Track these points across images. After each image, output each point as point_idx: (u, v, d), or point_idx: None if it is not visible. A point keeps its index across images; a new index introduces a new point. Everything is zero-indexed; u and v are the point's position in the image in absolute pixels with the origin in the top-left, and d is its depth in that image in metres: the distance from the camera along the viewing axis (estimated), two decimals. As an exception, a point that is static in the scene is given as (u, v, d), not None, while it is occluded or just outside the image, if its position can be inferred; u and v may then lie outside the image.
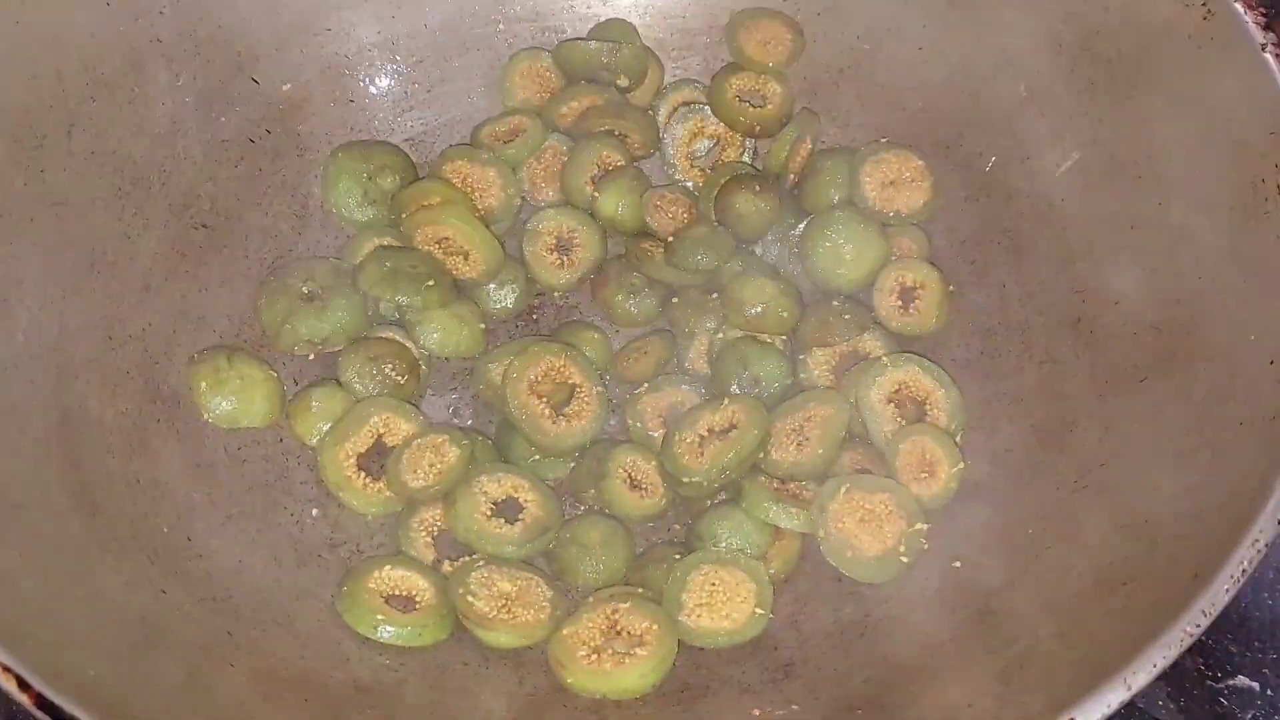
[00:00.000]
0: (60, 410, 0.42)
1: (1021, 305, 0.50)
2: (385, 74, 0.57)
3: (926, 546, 0.45)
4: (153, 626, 0.38)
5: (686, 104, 0.58)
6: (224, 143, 0.53)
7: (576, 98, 0.57)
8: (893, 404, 0.49)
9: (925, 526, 0.45)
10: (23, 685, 0.30)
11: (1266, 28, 0.42)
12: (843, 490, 0.45)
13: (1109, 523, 0.40)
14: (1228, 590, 0.32)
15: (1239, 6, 0.43)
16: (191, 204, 0.51)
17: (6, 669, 0.30)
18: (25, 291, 0.43)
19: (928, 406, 0.49)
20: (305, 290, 0.51)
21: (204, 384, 0.48)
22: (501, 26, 0.58)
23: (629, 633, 0.43)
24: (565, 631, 0.43)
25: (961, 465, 0.47)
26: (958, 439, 0.48)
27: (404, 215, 0.53)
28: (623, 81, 0.58)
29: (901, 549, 0.45)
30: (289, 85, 0.55)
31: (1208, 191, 0.44)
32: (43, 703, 0.30)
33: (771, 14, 0.57)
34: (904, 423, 0.48)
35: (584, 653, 0.42)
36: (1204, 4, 0.44)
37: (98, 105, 0.47)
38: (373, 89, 0.57)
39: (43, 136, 0.45)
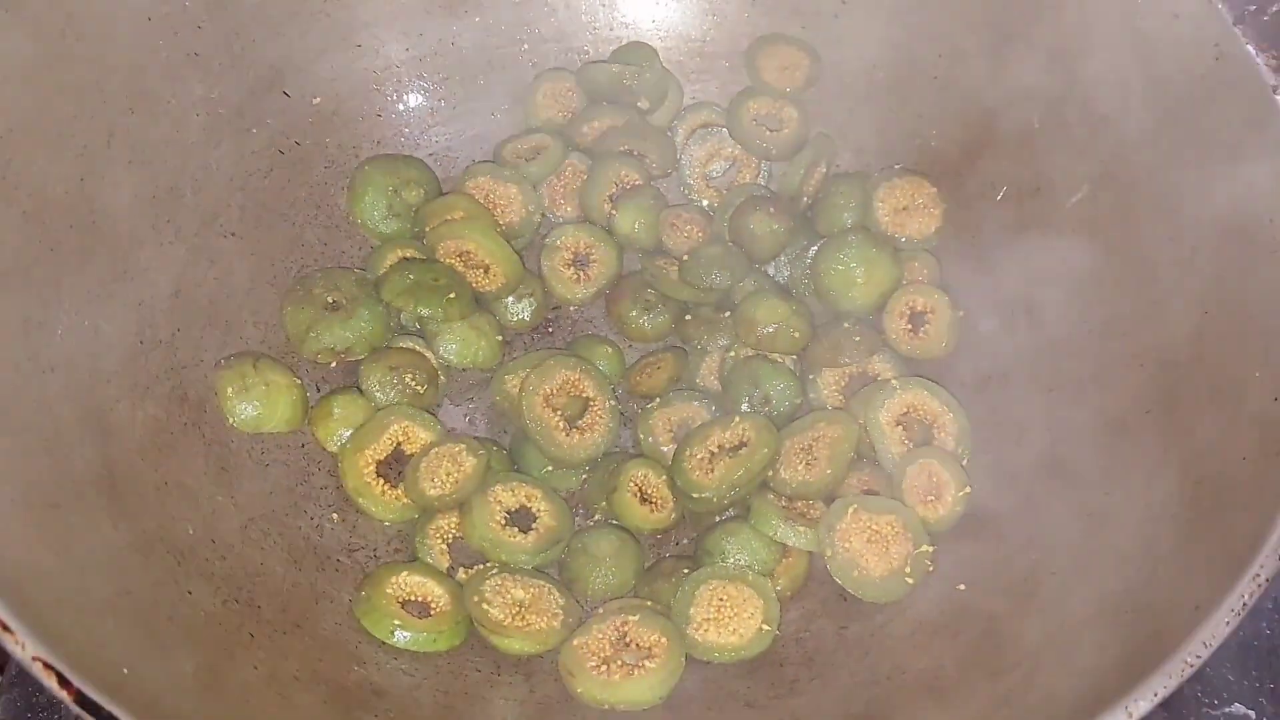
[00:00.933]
0: (93, 413, 0.43)
1: (1029, 333, 0.51)
2: (412, 90, 0.58)
3: (932, 568, 0.46)
4: (179, 626, 0.39)
5: (704, 126, 0.60)
6: (254, 154, 0.54)
7: (597, 118, 0.58)
8: (901, 426, 0.50)
9: (931, 549, 0.46)
10: (63, 682, 0.31)
11: (1278, 70, 0.43)
12: (850, 510, 0.46)
13: (1111, 552, 0.40)
14: (1228, 623, 0.33)
15: (1250, 49, 0.44)
16: (221, 213, 0.52)
17: (47, 665, 0.31)
18: (63, 295, 0.44)
19: (935, 430, 0.50)
20: (330, 300, 0.52)
21: (230, 389, 0.49)
22: (526, 47, 0.60)
23: (638, 645, 0.44)
24: (576, 642, 0.44)
25: (968, 489, 0.48)
26: (964, 463, 0.49)
27: (427, 228, 0.54)
28: (643, 103, 0.59)
29: (907, 570, 0.45)
30: (319, 99, 0.56)
31: (1217, 228, 0.44)
32: (82, 699, 0.31)
33: (790, 41, 0.58)
34: (911, 445, 0.49)
35: (594, 663, 0.43)
36: (1216, 45, 0.44)
37: (136, 116, 0.48)
38: (400, 104, 0.58)
39: (83, 146, 0.46)
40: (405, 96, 0.58)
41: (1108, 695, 0.33)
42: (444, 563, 0.48)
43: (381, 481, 0.49)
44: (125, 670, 0.34)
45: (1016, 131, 0.53)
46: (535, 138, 0.58)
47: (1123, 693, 0.33)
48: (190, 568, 0.42)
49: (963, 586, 0.45)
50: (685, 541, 0.50)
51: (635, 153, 0.57)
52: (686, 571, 0.47)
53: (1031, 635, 0.40)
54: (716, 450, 0.48)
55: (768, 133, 0.58)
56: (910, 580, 0.45)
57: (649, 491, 0.50)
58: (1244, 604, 0.33)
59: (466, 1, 0.58)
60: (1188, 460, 0.41)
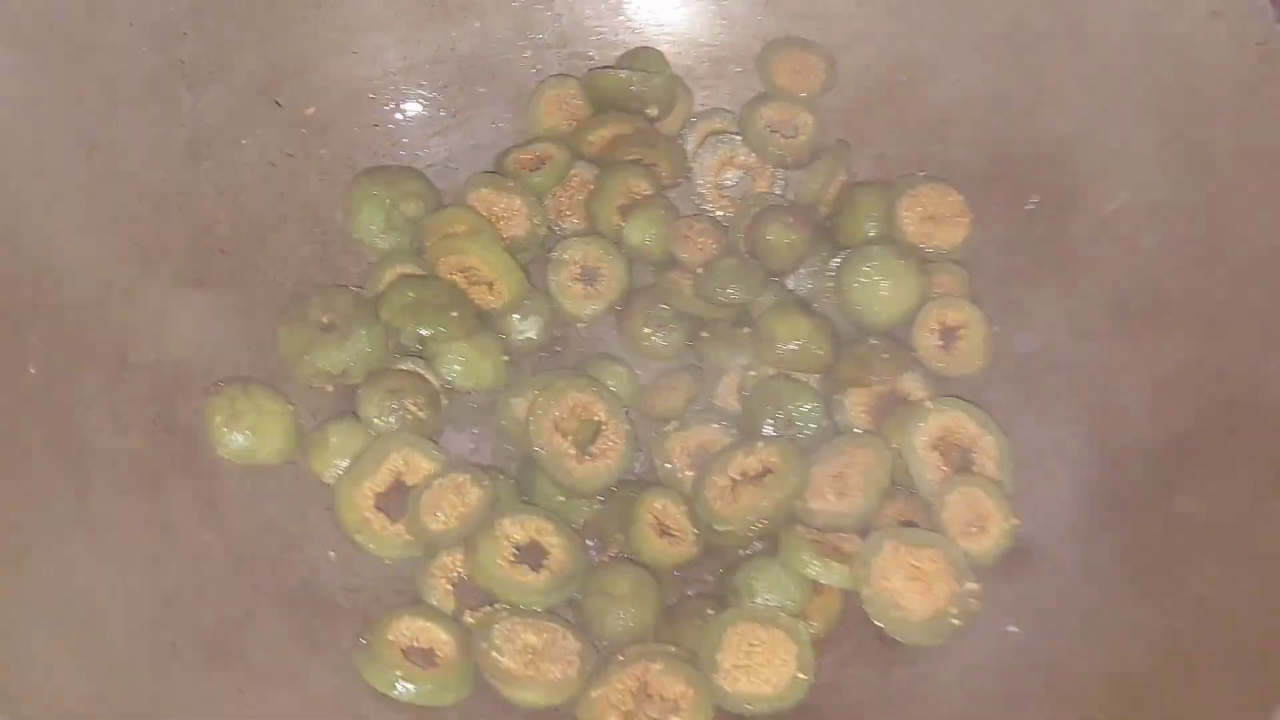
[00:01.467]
0: (71, 445, 0.41)
1: (1071, 349, 0.48)
2: (410, 98, 0.56)
3: (979, 608, 0.43)
4: (162, 685, 0.36)
5: (716, 133, 0.57)
6: (245, 166, 0.51)
7: (605, 126, 0.56)
8: (937, 451, 0.47)
9: (977, 586, 0.43)
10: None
11: (1330, 68, 0.41)
12: (887, 544, 0.43)
13: (1176, 598, 0.38)
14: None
15: (1300, 45, 0.41)
16: (211, 229, 0.50)
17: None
18: (39, 317, 0.42)
19: (974, 454, 0.47)
20: (325, 320, 0.50)
21: (219, 417, 0.46)
22: (529, 53, 0.57)
23: (662, 696, 0.41)
24: (594, 694, 0.41)
25: (1015, 520, 0.45)
26: (1008, 491, 0.46)
27: (427, 243, 0.52)
28: (652, 111, 0.57)
29: (952, 610, 0.42)
30: (313, 108, 0.54)
31: (1269, 235, 0.42)
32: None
33: (804, 43, 0.56)
34: (949, 471, 0.46)
35: (614, 718, 0.40)
36: (1260, 43, 0.42)
37: (119, 127, 0.46)
38: (397, 114, 0.56)
39: (64, 158, 0.44)
40: (403, 105, 0.56)
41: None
42: (450, 604, 0.45)
43: (381, 516, 0.46)
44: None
45: (1047, 135, 0.51)
46: (539, 147, 0.56)
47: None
48: (175, 616, 0.39)
49: (1014, 628, 0.42)
50: (709, 578, 0.47)
51: (644, 162, 0.55)
52: (712, 613, 0.44)
53: (1092, 684, 0.37)
54: (739, 478, 0.46)
55: (783, 139, 0.55)
56: (956, 621, 0.42)
57: (668, 523, 0.47)
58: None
59: (466, 6, 0.56)
60: (1253, 492, 0.38)
